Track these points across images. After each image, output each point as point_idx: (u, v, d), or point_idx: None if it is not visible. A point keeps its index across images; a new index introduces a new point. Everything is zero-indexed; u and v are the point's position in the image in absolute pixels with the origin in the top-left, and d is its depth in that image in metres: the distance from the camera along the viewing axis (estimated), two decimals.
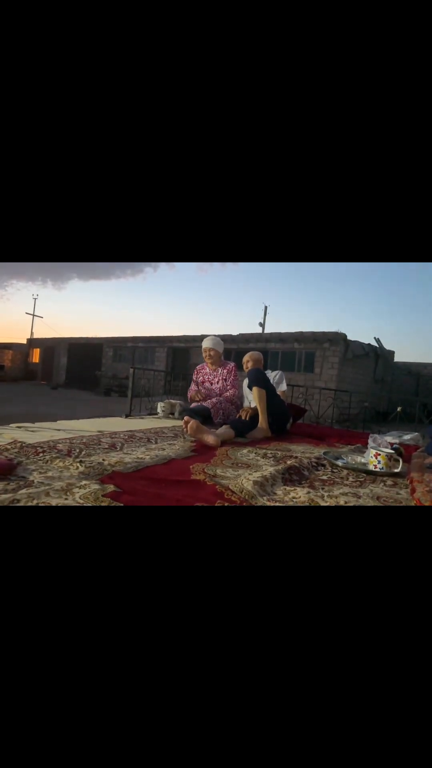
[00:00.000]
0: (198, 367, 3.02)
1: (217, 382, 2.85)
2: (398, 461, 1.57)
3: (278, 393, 2.50)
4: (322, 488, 1.28)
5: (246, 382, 2.73)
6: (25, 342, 21.23)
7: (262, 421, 2.25)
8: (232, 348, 12.28)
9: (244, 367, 2.72)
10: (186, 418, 2.00)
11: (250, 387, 2.37)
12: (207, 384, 2.90)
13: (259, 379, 2.31)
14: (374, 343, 12.28)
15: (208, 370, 2.93)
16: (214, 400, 2.62)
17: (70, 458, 1.36)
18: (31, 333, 22.56)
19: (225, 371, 2.87)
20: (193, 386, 2.94)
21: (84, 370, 16.99)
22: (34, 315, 22.78)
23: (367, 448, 1.71)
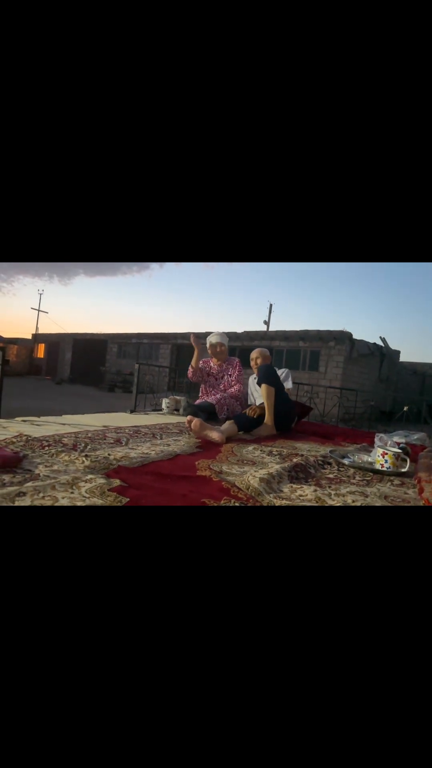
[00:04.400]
0: (202, 361, 3.00)
1: (222, 378, 2.84)
2: (406, 461, 1.55)
3: (285, 391, 2.49)
4: (329, 486, 1.27)
5: (251, 379, 2.72)
6: (30, 337, 21.30)
7: (269, 419, 2.24)
8: (237, 345, 12.26)
9: (252, 364, 2.69)
10: (189, 417, 1.99)
11: (260, 383, 2.35)
12: (212, 380, 2.88)
13: (269, 376, 2.29)
14: (380, 343, 12.21)
15: (212, 365, 2.92)
16: (218, 396, 2.61)
17: (75, 452, 1.35)
18: (36, 328, 22.59)
19: (230, 367, 2.85)
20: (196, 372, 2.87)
21: (88, 366, 17.03)
22: (39, 310, 22.82)
23: (373, 447, 1.69)
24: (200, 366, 2.86)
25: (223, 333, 2.90)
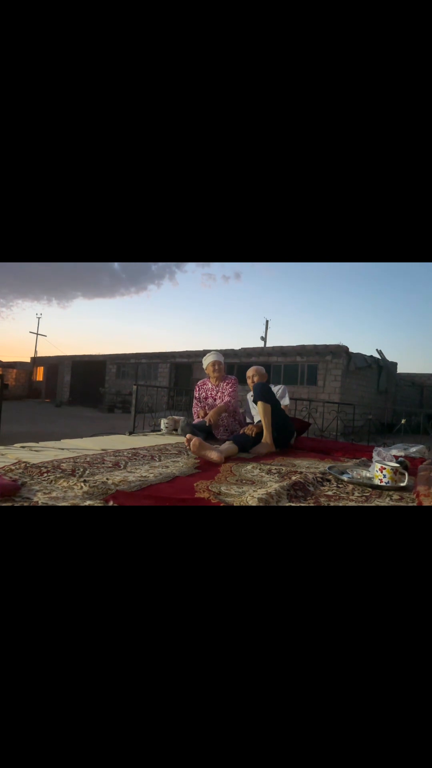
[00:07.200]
0: (199, 383, 3.00)
1: (220, 397, 2.85)
2: (404, 475, 1.55)
3: (282, 408, 2.50)
4: (328, 504, 1.27)
5: (250, 396, 2.73)
6: (29, 360, 21.40)
7: (267, 436, 2.25)
8: (235, 362, 12.31)
9: (249, 382, 2.70)
10: (188, 435, 2.00)
11: (255, 401, 2.36)
12: (210, 399, 2.89)
13: (264, 394, 2.31)
14: (377, 355, 12.28)
15: (210, 385, 2.93)
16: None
17: (74, 478, 1.36)
18: (35, 351, 22.76)
19: (226, 385, 2.86)
20: (196, 404, 2.92)
21: (88, 387, 17.05)
22: (37, 334, 23.00)
23: (372, 461, 1.70)
24: (198, 395, 2.89)
25: (218, 352, 2.92)
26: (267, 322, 18.75)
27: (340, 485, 1.55)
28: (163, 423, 3.16)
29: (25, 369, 20.51)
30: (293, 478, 1.56)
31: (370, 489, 1.52)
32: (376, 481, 1.55)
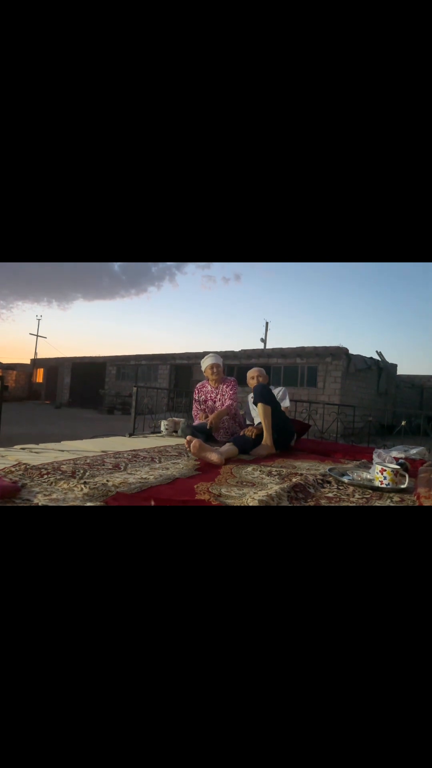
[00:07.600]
0: (198, 386, 3.00)
1: (220, 399, 2.84)
2: (404, 476, 1.55)
3: (282, 409, 2.49)
4: (329, 506, 1.27)
5: (250, 398, 2.73)
6: (29, 362, 21.40)
7: (267, 438, 2.24)
8: (234, 364, 12.31)
9: (252, 382, 2.69)
10: (188, 437, 2.00)
11: (255, 403, 2.36)
12: (210, 402, 2.88)
13: (264, 395, 2.31)
14: (376, 357, 12.29)
15: (209, 387, 2.92)
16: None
17: (74, 479, 1.36)
18: (35, 353, 22.75)
19: (226, 387, 2.85)
20: (196, 407, 2.91)
21: (87, 389, 17.05)
22: (37, 335, 23.00)
23: (372, 463, 1.70)
24: (197, 398, 2.88)
25: (216, 354, 2.92)
26: (267, 323, 18.81)
27: (341, 487, 1.55)
28: (163, 425, 3.16)
29: (25, 371, 20.51)
30: (294, 480, 1.55)
31: (370, 491, 1.52)
32: (377, 483, 1.55)
